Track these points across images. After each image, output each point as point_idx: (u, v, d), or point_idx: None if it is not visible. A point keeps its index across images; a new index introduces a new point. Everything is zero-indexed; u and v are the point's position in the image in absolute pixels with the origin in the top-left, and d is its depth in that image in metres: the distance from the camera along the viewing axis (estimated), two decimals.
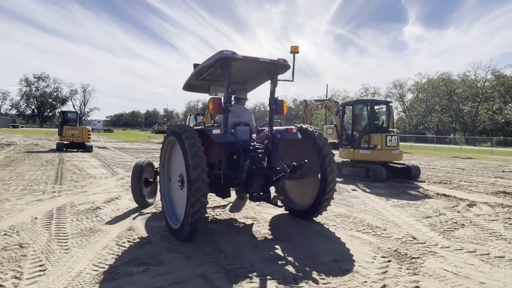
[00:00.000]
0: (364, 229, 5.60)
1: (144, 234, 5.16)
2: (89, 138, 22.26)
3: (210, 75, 5.72)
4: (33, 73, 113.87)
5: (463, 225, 5.95)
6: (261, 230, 5.44)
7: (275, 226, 5.73)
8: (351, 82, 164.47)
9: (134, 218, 6.01)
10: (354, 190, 9.50)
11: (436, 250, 4.67)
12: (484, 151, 37.18)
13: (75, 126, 22.01)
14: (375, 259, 4.31)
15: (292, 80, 5.46)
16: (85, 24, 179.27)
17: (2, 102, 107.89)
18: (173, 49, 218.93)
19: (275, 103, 5.61)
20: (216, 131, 4.97)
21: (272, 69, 5.52)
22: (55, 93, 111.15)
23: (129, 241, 4.81)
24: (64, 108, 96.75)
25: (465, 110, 71.27)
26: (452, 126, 73.72)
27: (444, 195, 8.76)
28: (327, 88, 57.82)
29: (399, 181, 11.34)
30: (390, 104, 13.23)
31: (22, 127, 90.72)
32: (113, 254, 4.33)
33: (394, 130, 12.60)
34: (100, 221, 5.81)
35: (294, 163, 5.51)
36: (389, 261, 4.23)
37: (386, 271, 3.92)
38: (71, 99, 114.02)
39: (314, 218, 6.02)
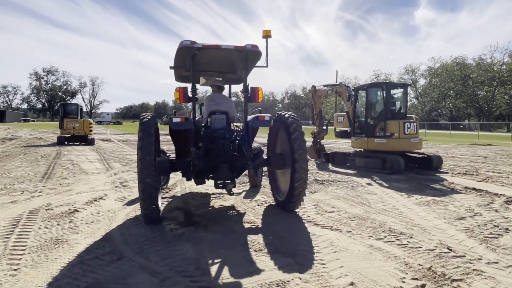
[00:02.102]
0: (385, 237, 4.60)
1: (118, 245, 4.26)
2: (91, 130, 21.54)
3: (195, 66, 5.52)
4: (42, 67, 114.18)
5: (507, 229, 4.90)
6: (260, 240, 4.49)
7: (276, 232, 4.77)
8: (362, 69, 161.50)
9: (113, 224, 5.13)
10: (369, 184, 8.47)
11: (481, 267, 3.66)
12: (503, 137, 35.56)
13: (76, 119, 21.29)
14: (404, 282, 3.33)
15: (267, 66, 5.44)
16: (93, 17, 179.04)
17: (13, 96, 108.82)
18: (181, 40, 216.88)
19: (248, 91, 5.62)
20: (176, 120, 5.10)
21: (242, 56, 5.40)
22: (65, 87, 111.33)
23: (97, 257, 3.91)
24: (74, 101, 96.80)
25: (480, 95, 68.78)
26: (467, 112, 71.38)
27: (474, 189, 7.67)
28: (337, 75, 56.15)
29: (419, 173, 10.24)
30: (409, 87, 12.03)
31: (33, 121, 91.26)
32: (70, 277, 3.43)
33: (413, 116, 11.44)
34: (72, 228, 4.94)
35: (261, 152, 6.15)
36: (423, 286, 3.24)
37: None
38: (80, 92, 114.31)
39: (313, 221, 5.38)
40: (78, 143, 20.97)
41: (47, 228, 4.92)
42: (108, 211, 5.88)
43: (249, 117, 5.72)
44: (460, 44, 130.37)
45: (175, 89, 5.44)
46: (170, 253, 4.00)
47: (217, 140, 5.20)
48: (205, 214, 5.69)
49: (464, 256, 3.92)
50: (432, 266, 3.64)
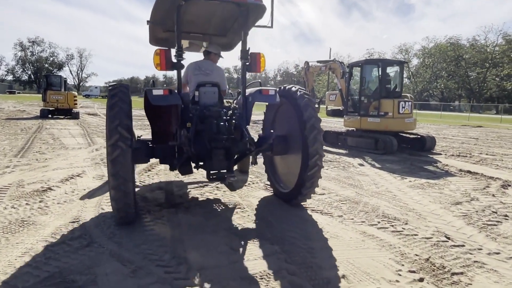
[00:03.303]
0: (379, 222, 4.31)
1: (90, 229, 3.89)
2: (76, 103, 20.78)
3: (179, 23, 4.20)
4: (27, 37, 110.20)
5: (506, 216, 4.65)
6: (245, 224, 4.16)
7: (263, 217, 4.44)
8: (355, 47, 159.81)
9: (87, 204, 4.74)
10: (361, 165, 8.18)
11: (482, 258, 3.39)
12: (492, 119, 35.71)
13: (60, 91, 20.46)
14: (400, 275, 3.04)
15: (271, 27, 4.43)
16: None
17: None
18: None
19: (248, 57, 4.48)
20: (157, 92, 3.93)
21: (241, 12, 4.34)
22: (51, 58, 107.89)
23: (64, 242, 3.54)
24: (61, 74, 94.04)
25: (472, 77, 68.70)
26: (458, 93, 71.46)
27: (469, 172, 7.43)
28: (330, 52, 55.39)
29: (411, 154, 9.99)
30: (405, 64, 11.62)
31: (19, 93, 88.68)
32: (30, 265, 3.06)
33: (408, 95, 11.09)
34: (42, 208, 4.54)
35: (270, 135, 4.72)
36: (421, 279, 2.95)
37: None
38: (67, 64, 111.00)
39: (302, 204, 4.91)
40: (62, 117, 20.27)
41: (14, 208, 4.52)
42: (84, 189, 5.49)
43: (249, 91, 4.67)
44: (455, 24, 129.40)
45: (155, 51, 4.13)
46: (146, 239, 3.65)
47: (209, 119, 4.15)
48: (188, 195, 5.33)
49: (464, 246, 3.65)
50: (430, 257, 3.36)
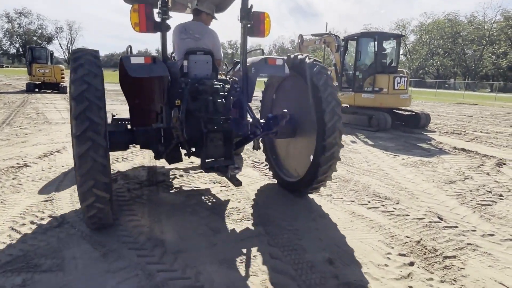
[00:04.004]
0: (369, 202, 4.12)
1: (62, 208, 3.65)
2: (63, 77, 20.15)
3: None
4: (14, 8, 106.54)
5: (501, 195, 4.48)
6: (228, 204, 3.94)
7: (248, 196, 4.22)
8: (352, 22, 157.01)
9: (64, 182, 4.49)
10: (354, 142, 7.96)
11: (475, 240, 3.23)
12: (487, 97, 35.59)
13: (46, 65, 19.79)
14: (389, 258, 2.85)
15: None
16: None
17: None
18: None
19: (250, 18, 3.65)
20: (137, 60, 3.06)
21: None
22: (40, 31, 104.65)
23: (32, 222, 3.30)
24: (50, 47, 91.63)
25: (468, 54, 68.11)
26: (453, 71, 71.01)
27: (464, 150, 7.25)
28: (327, 27, 53.94)
29: (405, 131, 9.79)
30: (403, 37, 11.23)
31: (7, 66, 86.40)
32: None
33: (404, 70, 10.78)
34: (15, 186, 4.28)
35: (284, 114, 3.60)
36: (412, 264, 2.77)
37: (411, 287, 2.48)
38: (57, 37, 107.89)
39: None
40: (50, 91, 19.72)
41: None
42: (62, 166, 5.22)
43: (250, 60, 3.81)
44: (454, 0, 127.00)
45: (132, 8, 3.19)
46: (122, 219, 3.42)
47: (203, 95, 3.40)
48: (172, 172, 5.09)
49: (457, 227, 3.48)
50: (421, 239, 3.18)
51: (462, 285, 2.51)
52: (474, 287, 2.50)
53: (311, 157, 3.70)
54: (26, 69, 23.56)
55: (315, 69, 3.60)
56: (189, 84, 3.45)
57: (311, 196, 4.26)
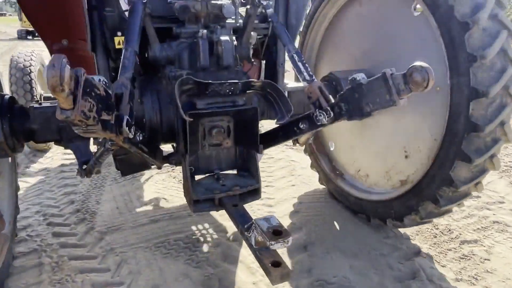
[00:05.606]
0: None
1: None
2: None
3: None
4: None
5: None
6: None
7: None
8: None
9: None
10: None
11: (504, 217, 2.45)
12: None
13: None
14: (386, 243, 2.14)
15: None
16: None
17: None
18: None
19: None
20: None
21: None
22: None
23: None
24: None
25: None
26: None
27: None
28: None
29: None
30: None
31: (10, 15, 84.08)
32: None
33: None
34: None
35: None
36: (417, 253, 2.06)
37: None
38: None
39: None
40: None
41: None
42: None
43: None
44: None
45: None
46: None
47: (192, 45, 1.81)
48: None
49: (479, 197, 2.71)
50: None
51: (486, 287, 1.79)
52: None
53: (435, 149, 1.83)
54: None
55: None
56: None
57: (299, 153, 3.48)
